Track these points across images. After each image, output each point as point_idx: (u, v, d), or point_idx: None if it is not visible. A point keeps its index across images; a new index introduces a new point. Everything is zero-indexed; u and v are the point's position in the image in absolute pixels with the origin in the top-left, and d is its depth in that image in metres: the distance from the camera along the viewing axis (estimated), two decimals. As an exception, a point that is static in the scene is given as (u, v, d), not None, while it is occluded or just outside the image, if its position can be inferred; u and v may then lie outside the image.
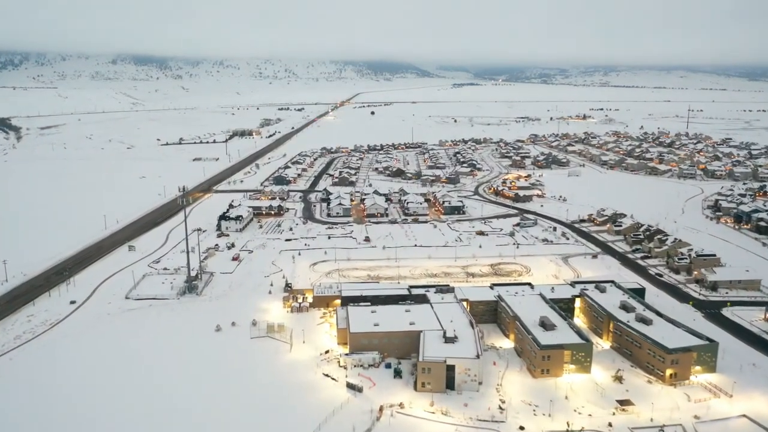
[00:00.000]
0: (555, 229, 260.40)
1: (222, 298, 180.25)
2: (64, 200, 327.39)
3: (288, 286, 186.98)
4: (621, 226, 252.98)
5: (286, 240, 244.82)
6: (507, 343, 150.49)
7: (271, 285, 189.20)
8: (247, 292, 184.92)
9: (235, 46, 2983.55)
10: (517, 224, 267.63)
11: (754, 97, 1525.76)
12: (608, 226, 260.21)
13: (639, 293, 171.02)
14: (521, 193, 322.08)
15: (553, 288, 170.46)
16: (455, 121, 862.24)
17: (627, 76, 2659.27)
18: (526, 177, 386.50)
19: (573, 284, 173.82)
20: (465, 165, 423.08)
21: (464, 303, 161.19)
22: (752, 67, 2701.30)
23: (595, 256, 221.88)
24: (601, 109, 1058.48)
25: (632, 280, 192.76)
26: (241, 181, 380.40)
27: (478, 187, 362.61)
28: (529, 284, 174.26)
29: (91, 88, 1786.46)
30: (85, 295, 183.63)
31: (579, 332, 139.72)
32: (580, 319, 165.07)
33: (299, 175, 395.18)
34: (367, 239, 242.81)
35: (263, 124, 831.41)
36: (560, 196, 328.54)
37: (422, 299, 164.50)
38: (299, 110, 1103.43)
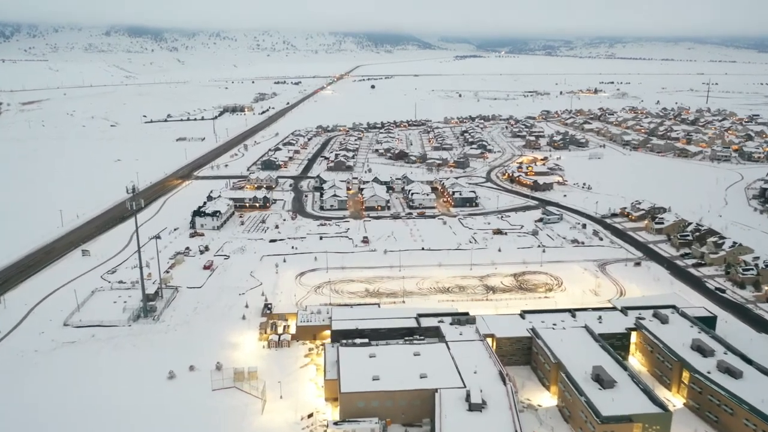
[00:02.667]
0: (585, 226, 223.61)
1: (184, 325, 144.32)
2: (23, 190, 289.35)
3: (267, 308, 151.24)
4: (662, 223, 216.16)
5: (271, 241, 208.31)
6: (547, 398, 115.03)
7: (246, 307, 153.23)
8: (215, 316, 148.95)
9: (233, 17, 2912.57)
10: (540, 219, 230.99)
11: (766, 70, 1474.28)
12: (646, 222, 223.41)
13: (709, 323, 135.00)
14: (540, 180, 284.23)
15: (600, 317, 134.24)
16: (460, 95, 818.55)
17: (633, 47, 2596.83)
18: (542, 160, 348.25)
19: (624, 311, 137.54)
20: (474, 146, 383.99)
21: (489, 340, 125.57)
22: (761, 39, 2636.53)
23: (638, 263, 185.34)
24: (612, 83, 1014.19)
25: (688, 296, 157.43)
26: (226, 166, 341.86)
27: (490, 172, 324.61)
28: (570, 311, 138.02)
29: (84, 61, 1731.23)
30: (15, 320, 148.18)
31: (649, 393, 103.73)
32: (636, 359, 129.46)
33: (291, 158, 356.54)
34: (365, 240, 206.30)
35: (258, 98, 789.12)
36: (584, 184, 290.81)
37: (435, 333, 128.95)
38: (296, 84, 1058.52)
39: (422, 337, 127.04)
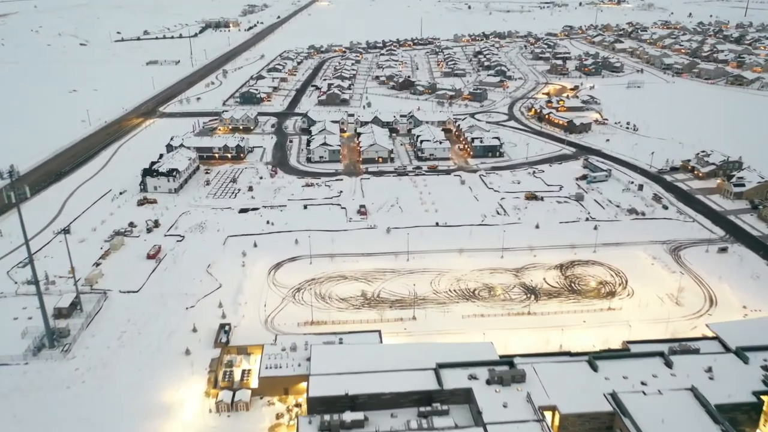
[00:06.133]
0: (641, 187, 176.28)
1: (99, 369, 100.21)
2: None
3: (224, 331, 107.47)
4: (743, 185, 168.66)
5: (241, 211, 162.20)
6: None
7: (194, 331, 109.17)
8: (148, 351, 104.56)
9: None
10: (583, 177, 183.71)
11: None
12: (719, 182, 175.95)
13: None
14: (576, 120, 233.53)
15: (710, 368, 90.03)
16: (469, 7, 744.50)
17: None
18: (573, 90, 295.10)
19: (742, 355, 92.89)
20: (491, 72, 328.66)
21: (548, 414, 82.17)
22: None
23: (723, 249, 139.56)
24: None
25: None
26: (198, 99, 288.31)
27: (512, 106, 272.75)
28: (662, 354, 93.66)
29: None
30: None
31: None
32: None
33: (276, 88, 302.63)
34: (362, 211, 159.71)
35: (246, 11, 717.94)
36: (629, 123, 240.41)
37: (465, 398, 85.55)
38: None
39: (446, 408, 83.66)
